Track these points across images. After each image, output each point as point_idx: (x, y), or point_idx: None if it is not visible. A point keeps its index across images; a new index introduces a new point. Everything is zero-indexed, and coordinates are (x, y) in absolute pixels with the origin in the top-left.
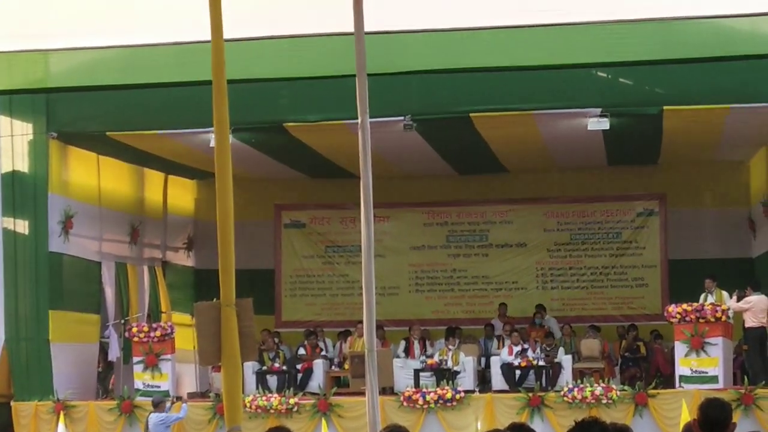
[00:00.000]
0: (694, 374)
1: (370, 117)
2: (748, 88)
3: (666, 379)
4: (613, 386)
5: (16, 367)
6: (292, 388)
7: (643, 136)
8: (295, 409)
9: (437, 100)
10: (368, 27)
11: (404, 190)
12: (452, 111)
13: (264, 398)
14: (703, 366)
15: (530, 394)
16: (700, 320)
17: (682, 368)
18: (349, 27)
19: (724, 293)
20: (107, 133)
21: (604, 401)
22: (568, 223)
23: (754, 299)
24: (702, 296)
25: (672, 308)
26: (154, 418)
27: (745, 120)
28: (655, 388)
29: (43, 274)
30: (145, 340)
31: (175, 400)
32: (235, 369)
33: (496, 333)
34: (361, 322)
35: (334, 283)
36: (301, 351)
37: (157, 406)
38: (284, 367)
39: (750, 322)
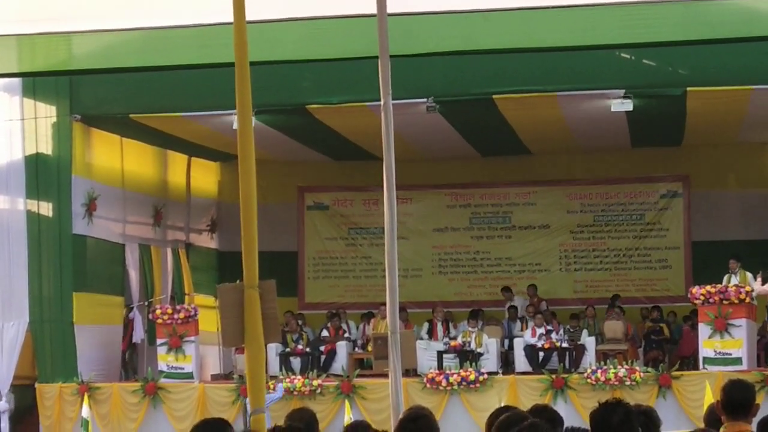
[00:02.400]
0: (717, 356)
1: (393, 99)
2: None
3: (688, 361)
4: (637, 368)
5: (40, 349)
6: (315, 370)
7: (666, 118)
8: (319, 390)
9: (460, 82)
10: (391, 8)
11: (427, 172)
12: (475, 93)
13: (287, 380)
14: (726, 347)
15: (553, 376)
16: (724, 302)
17: (705, 350)
18: (372, 8)
19: (748, 274)
20: (130, 116)
21: (628, 383)
22: (592, 204)
23: None
24: (726, 277)
25: (696, 290)
26: None
27: None
28: (678, 369)
29: (66, 256)
30: (168, 322)
31: (268, 379)
32: (258, 351)
33: (519, 314)
34: (384, 303)
35: (357, 265)
36: (325, 333)
37: None
38: (307, 349)
39: None
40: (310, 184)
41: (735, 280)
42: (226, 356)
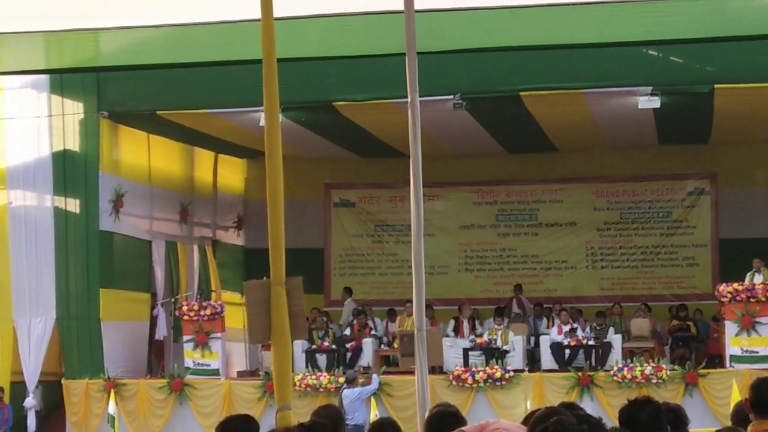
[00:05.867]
0: (744, 354)
1: (420, 96)
2: None
3: (713, 358)
4: (663, 366)
5: (66, 345)
6: (341, 367)
7: (693, 115)
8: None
9: (487, 79)
10: (418, 5)
11: (454, 169)
12: (502, 90)
13: (313, 377)
14: (753, 345)
15: (580, 374)
16: (751, 299)
17: (732, 348)
18: (399, 5)
19: None
20: (157, 112)
21: (654, 381)
22: (618, 202)
23: None
24: (748, 275)
25: (722, 288)
26: (351, 394)
27: None
28: (705, 367)
29: (93, 252)
30: (195, 318)
31: (361, 370)
32: (284, 348)
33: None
34: (410, 301)
35: (383, 262)
36: (347, 332)
37: (352, 381)
38: (333, 346)
39: None
40: (337, 181)
41: (759, 278)
42: (252, 353)
